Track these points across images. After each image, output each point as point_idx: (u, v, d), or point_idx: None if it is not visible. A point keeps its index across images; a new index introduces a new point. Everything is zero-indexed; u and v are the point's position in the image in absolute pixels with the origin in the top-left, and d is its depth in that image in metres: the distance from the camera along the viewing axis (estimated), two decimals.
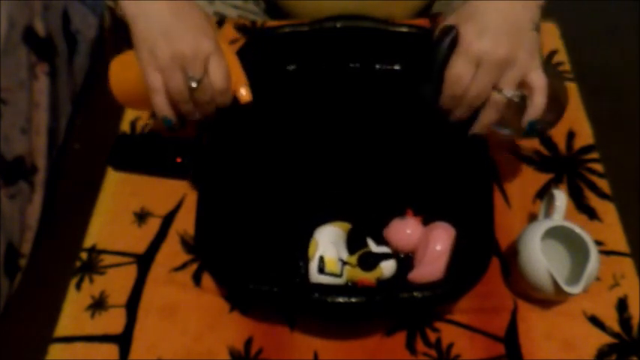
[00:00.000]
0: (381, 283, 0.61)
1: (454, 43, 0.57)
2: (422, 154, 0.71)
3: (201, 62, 0.57)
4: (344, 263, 0.60)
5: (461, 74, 0.57)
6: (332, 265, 0.59)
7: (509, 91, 0.57)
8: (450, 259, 0.59)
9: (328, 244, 0.60)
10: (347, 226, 0.64)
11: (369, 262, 0.60)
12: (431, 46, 0.59)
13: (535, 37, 0.57)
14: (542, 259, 0.58)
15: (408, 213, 0.63)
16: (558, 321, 0.63)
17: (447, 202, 0.65)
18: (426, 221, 0.63)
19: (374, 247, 0.62)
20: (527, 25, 0.57)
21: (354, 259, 0.61)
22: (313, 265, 0.59)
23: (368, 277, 0.60)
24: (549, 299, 0.63)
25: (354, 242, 0.63)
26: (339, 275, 0.59)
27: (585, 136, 0.77)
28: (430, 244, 0.59)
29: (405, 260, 0.63)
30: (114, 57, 0.64)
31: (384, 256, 0.61)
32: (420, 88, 0.61)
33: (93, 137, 1.39)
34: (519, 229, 0.64)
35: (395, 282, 0.61)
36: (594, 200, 0.71)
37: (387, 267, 0.61)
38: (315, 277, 0.59)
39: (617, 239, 0.68)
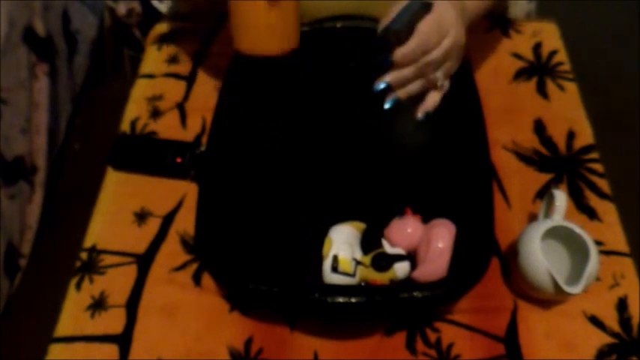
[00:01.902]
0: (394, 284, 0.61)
1: (429, 8, 0.59)
2: (422, 154, 0.70)
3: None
4: (357, 263, 0.60)
5: (430, 34, 0.59)
6: (345, 264, 0.59)
7: (444, 82, 0.61)
8: (452, 255, 0.59)
9: (343, 243, 0.60)
10: (362, 226, 0.64)
11: (383, 263, 0.60)
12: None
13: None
14: (542, 259, 0.58)
15: (407, 212, 0.63)
16: (558, 321, 0.63)
17: (447, 202, 0.65)
18: (425, 219, 0.63)
19: (388, 248, 0.62)
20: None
21: (367, 259, 0.61)
22: (327, 264, 0.59)
23: (381, 278, 0.60)
24: (549, 299, 0.63)
25: (368, 242, 0.63)
26: (352, 275, 0.59)
27: (585, 136, 0.77)
28: (432, 242, 0.59)
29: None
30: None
31: (398, 258, 0.61)
32: (385, 32, 0.60)
33: (93, 137, 1.40)
34: (519, 229, 0.64)
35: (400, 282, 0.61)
36: (594, 200, 0.71)
37: (401, 268, 0.60)
38: (328, 275, 0.59)
39: (617, 239, 0.68)
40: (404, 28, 0.59)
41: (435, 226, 0.61)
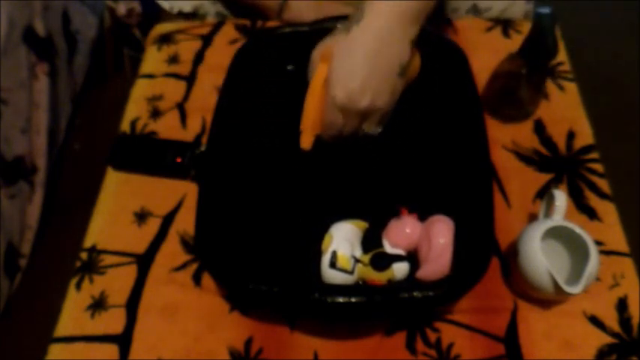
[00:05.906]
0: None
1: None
2: (421, 154, 0.70)
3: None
4: (356, 261, 0.60)
5: (333, 121, 0.63)
6: (344, 261, 0.59)
7: (374, 130, 0.65)
8: (453, 253, 0.59)
9: (343, 240, 0.60)
10: (364, 225, 0.64)
11: (382, 262, 0.60)
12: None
13: (399, 83, 0.63)
14: (542, 259, 0.58)
15: (403, 212, 0.63)
16: (558, 321, 0.63)
17: (447, 202, 0.65)
18: (424, 219, 0.63)
19: (388, 248, 0.62)
20: (393, 71, 0.61)
21: (366, 257, 0.61)
22: (325, 259, 0.59)
23: (379, 278, 0.60)
24: (549, 299, 0.63)
25: (369, 241, 0.63)
26: (350, 272, 0.59)
27: (585, 136, 0.77)
28: (433, 240, 0.58)
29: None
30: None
31: (397, 258, 0.61)
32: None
33: (93, 137, 1.40)
34: (519, 229, 0.64)
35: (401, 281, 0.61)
36: (594, 200, 0.71)
37: (399, 269, 0.60)
38: (326, 271, 0.59)
39: (617, 239, 0.68)
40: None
41: (433, 223, 0.60)
